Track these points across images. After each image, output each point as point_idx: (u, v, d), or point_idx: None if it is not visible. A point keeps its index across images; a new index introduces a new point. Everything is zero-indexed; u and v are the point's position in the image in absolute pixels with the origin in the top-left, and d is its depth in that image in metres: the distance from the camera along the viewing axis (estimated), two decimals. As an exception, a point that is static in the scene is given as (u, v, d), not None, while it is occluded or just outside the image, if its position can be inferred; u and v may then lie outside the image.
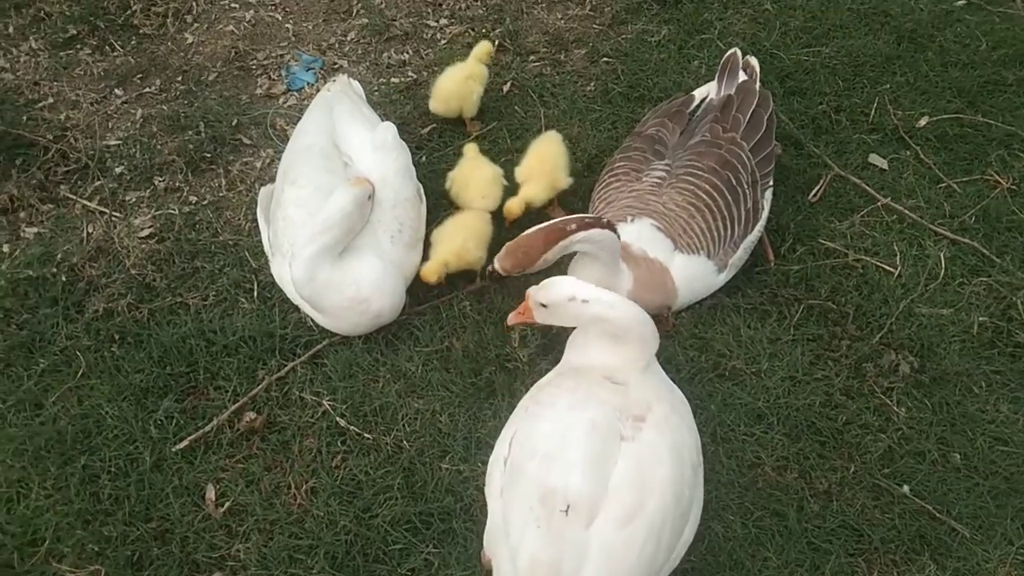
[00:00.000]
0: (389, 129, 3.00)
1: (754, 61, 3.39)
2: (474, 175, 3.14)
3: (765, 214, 3.03)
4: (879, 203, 3.35)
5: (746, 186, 2.96)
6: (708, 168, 2.93)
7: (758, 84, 3.29)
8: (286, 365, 2.72)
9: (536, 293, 2.27)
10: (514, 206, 3.08)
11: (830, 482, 2.52)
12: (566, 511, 1.94)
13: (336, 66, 3.90)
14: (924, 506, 2.49)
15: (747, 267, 3.04)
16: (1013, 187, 3.46)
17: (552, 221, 2.56)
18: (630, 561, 1.94)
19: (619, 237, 2.61)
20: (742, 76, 3.32)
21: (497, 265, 2.55)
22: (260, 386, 2.64)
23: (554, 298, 2.23)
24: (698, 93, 3.33)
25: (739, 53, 3.40)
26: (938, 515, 2.47)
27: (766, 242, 3.14)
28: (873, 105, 3.77)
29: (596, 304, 2.20)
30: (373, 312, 2.71)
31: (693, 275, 2.84)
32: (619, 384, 2.20)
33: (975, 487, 2.54)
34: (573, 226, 2.51)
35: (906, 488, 2.53)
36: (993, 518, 2.48)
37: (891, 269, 3.09)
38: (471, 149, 3.28)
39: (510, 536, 1.98)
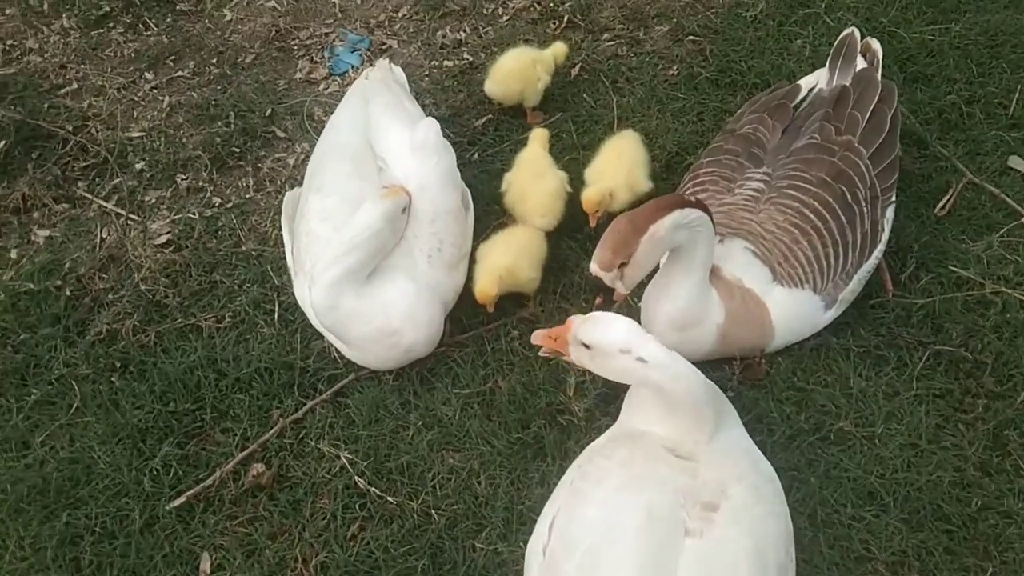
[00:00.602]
0: (431, 127, 2.55)
1: (876, 44, 2.81)
2: (535, 186, 2.68)
3: (885, 236, 2.48)
4: (1023, 219, 2.75)
5: (864, 203, 2.41)
6: (817, 180, 2.39)
7: (879, 73, 2.72)
8: (304, 404, 2.35)
9: (580, 326, 1.81)
10: (594, 194, 2.58)
11: (962, 588, 2.01)
12: None
13: (384, 47, 3.49)
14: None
15: (860, 299, 2.50)
16: None
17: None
18: None
19: None
20: (860, 63, 2.75)
21: (594, 263, 2.05)
22: (273, 431, 2.27)
23: (601, 341, 1.78)
24: (805, 83, 2.77)
25: (857, 34, 2.82)
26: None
27: (884, 268, 2.59)
28: (1014, 95, 3.15)
29: (657, 370, 1.74)
30: (405, 346, 2.31)
31: (794, 313, 2.33)
32: (685, 459, 1.75)
33: None
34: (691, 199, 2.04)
35: (1062, 600, 2.00)
36: None
37: (1041, 306, 2.51)
38: (539, 138, 2.80)
39: None
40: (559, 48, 3.12)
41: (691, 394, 1.75)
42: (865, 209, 2.41)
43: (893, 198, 2.53)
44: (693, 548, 1.62)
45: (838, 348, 2.43)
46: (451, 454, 2.26)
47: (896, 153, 2.58)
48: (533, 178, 2.69)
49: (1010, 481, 2.17)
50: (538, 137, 2.83)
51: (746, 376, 2.34)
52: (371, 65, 3.05)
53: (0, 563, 2.03)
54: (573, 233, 2.77)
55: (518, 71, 3.05)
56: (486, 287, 2.41)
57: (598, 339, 1.78)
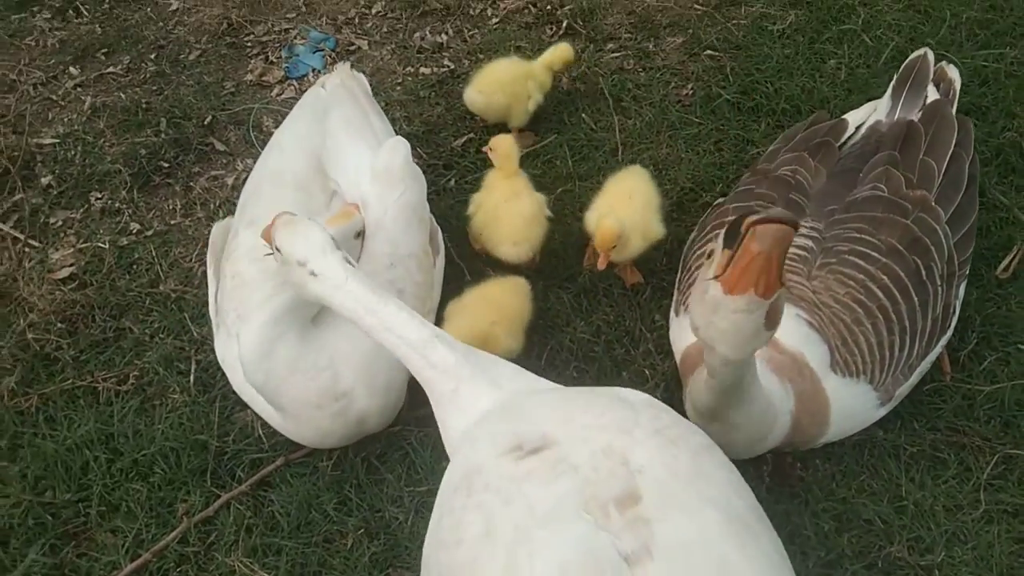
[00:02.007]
0: (398, 149, 2.07)
1: (953, 73, 2.34)
2: (507, 207, 2.21)
3: (954, 321, 2.01)
4: (1103, 285, 2.29)
5: (939, 280, 1.94)
6: (888, 247, 1.92)
7: (955, 108, 2.25)
8: (218, 497, 1.85)
9: (280, 226, 1.65)
10: (613, 224, 2.08)
11: None
12: None
13: (352, 48, 3.01)
14: None
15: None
16: None
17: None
18: None
19: None
20: (932, 93, 2.28)
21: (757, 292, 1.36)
22: (173, 534, 1.78)
23: (286, 247, 1.61)
24: (852, 118, 2.29)
25: (931, 56, 2.35)
26: None
27: (944, 354, 2.12)
28: (1083, 135, 2.69)
29: (324, 285, 1.56)
30: (355, 413, 1.83)
31: (848, 407, 1.86)
32: (544, 449, 1.26)
33: None
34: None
35: None
36: None
37: None
38: (502, 148, 2.31)
39: None
40: (560, 51, 2.64)
41: (396, 334, 1.48)
42: (940, 288, 1.95)
43: (967, 271, 2.07)
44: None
45: (886, 446, 1.96)
46: (400, 573, 1.77)
47: (976, 215, 2.11)
48: (506, 198, 2.21)
49: (1107, 629, 1.72)
50: (501, 146, 2.33)
51: (775, 482, 1.87)
52: (331, 70, 2.56)
53: None
54: (565, 283, 2.29)
55: (507, 83, 2.58)
56: None
57: (286, 245, 1.60)
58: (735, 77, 2.87)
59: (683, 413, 1.64)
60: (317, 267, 1.56)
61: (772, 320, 1.32)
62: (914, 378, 1.96)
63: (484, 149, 2.37)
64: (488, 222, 2.24)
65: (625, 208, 2.16)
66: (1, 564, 1.74)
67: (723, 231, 1.30)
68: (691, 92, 2.86)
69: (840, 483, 1.91)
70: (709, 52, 2.99)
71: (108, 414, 1.98)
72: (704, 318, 1.34)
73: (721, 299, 1.27)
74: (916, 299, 1.89)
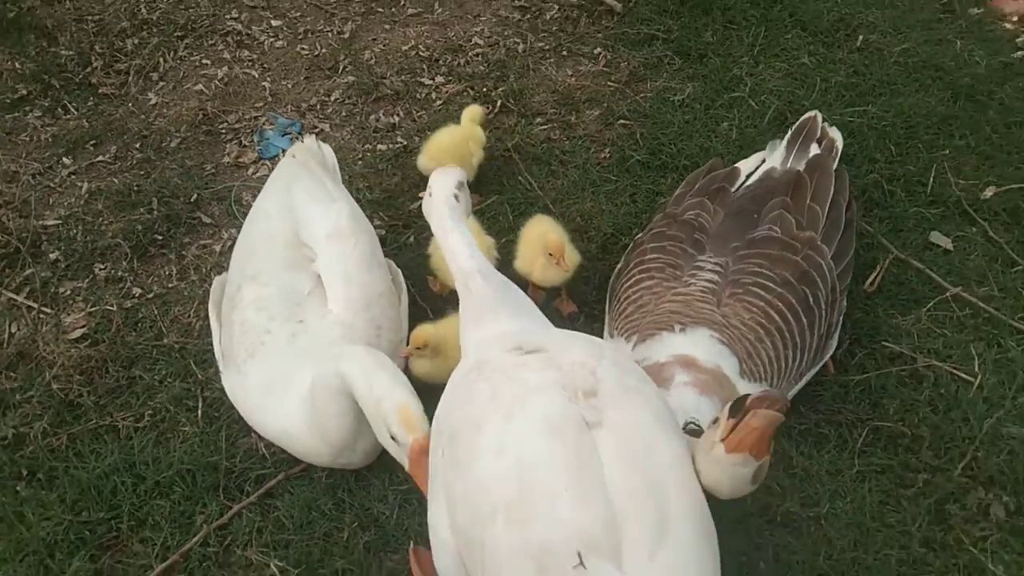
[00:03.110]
0: (340, 212, 2.50)
1: (835, 134, 2.86)
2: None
3: (835, 341, 2.50)
4: (947, 293, 2.83)
5: (824, 306, 2.41)
6: (782, 280, 2.37)
7: (835, 163, 2.77)
8: (230, 508, 2.20)
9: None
10: (558, 237, 2.63)
11: (915, 673, 1.96)
12: (581, 563, 1.43)
13: (316, 130, 3.45)
14: None
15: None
16: (1105, 273, 2.93)
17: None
18: None
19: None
20: (814, 149, 2.80)
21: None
22: (196, 538, 2.12)
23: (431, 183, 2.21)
24: (744, 166, 2.81)
25: (820, 117, 2.89)
26: None
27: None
28: (931, 173, 3.29)
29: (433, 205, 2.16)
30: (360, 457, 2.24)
31: None
32: (537, 351, 1.72)
33: None
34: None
35: None
36: None
37: (970, 378, 2.56)
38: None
39: None
40: (475, 110, 3.16)
41: (452, 259, 2.00)
42: (824, 312, 2.41)
43: (844, 300, 2.55)
44: (603, 440, 1.56)
45: (780, 428, 2.41)
46: (389, 556, 2.13)
47: (852, 252, 2.61)
48: None
49: (954, 556, 2.16)
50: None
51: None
52: (294, 144, 3.01)
53: None
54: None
55: (452, 147, 3.05)
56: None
57: (432, 181, 2.18)
58: (644, 141, 3.39)
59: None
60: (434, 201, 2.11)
61: (758, 476, 1.73)
62: (803, 382, 2.42)
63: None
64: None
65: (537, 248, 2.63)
66: (50, 571, 2.05)
67: (731, 403, 1.70)
68: (608, 155, 3.36)
69: (744, 459, 2.34)
70: (622, 121, 3.51)
71: (129, 447, 2.32)
72: (707, 468, 1.69)
73: (723, 456, 1.66)
74: (805, 321, 2.33)
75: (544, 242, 2.58)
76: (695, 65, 3.77)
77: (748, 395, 1.68)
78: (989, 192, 3.25)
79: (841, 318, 2.53)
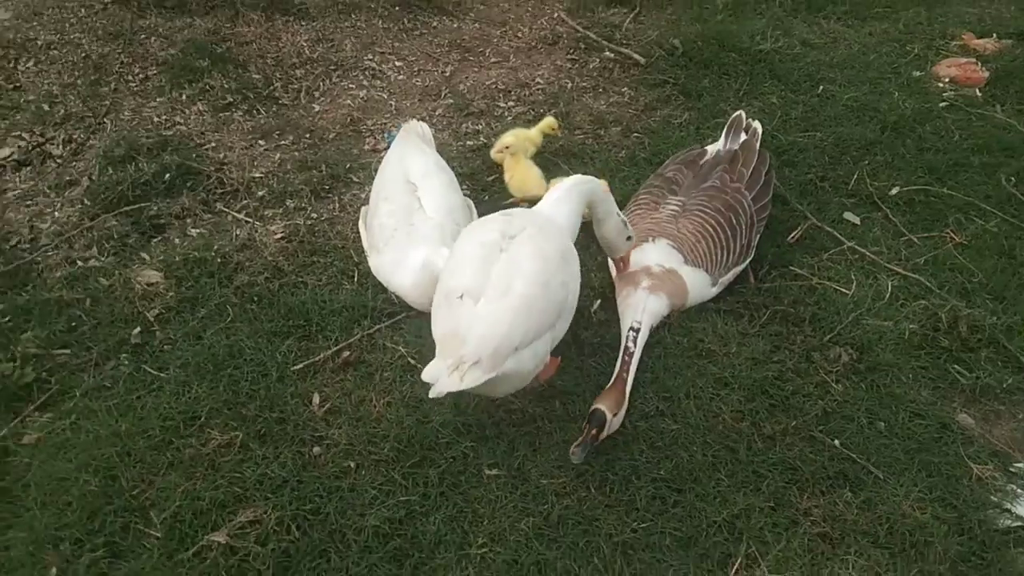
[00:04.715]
0: (427, 161, 4.00)
1: (756, 124, 4.35)
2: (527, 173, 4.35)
3: (753, 252, 3.92)
4: (845, 246, 4.20)
5: (744, 226, 3.84)
6: (715, 208, 3.83)
7: (758, 143, 4.24)
8: (375, 326, 3.69)
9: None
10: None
11: (775, 430, 3.28)
12: (461, 297, 2.90)
13: (426, 131, 5.04)
14: (849, 454, 3.22)
15: (732, 285, 3.91)
16: (964, 242, 4.26)
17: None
18: (506, 321, 2.82)
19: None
20: (743, 136, 4.27)
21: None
22: (355, 336, 3.61)
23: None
24: (710, 148, 4.30)
25: (743, 114, 4.37)
26: (859, 460, 3.20)
27: (749, 271, 4.01)
28: (854, 177, 4.67)
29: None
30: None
31: (696, 283, 3.70)
32: (511, 216, 3.20)
33: (892, 445, 3.26)
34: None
35: (837, 441, 3.27)
36: (903, 466, 3.19)
37: (846, 291, 3.91)
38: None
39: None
40: (548, 121, 4.66)
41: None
42: (744, 231, 3.83)
43: (762, 228, 3.98)
44: (503, 257, 2.95)
45: (713, 309, 3.80)
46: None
47: (769, 197, 4.05)
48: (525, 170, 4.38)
49: (811, 379, 3.48)
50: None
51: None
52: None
53: (189, 394, 3.30)
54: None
55: (513, 142, 4.58)
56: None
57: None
58: (650, 147, 4.84)
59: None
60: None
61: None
62: (730, 275, 3.82)
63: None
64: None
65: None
66: (274, 344, 3.56)
67: (595, 426, 3.00)
68: (623, 155, 4.83)
69: (687, 323, 3.71)
70: (636, 134, 5.01)
71: (315, 292, 3.82)
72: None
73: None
74: (729, 232, 3.74)
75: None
76: (693, 101, 5.28)
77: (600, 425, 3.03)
78: (895, 190, 4.61)
79: (758, 237, 3.94)
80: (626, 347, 3.35)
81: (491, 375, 2.74)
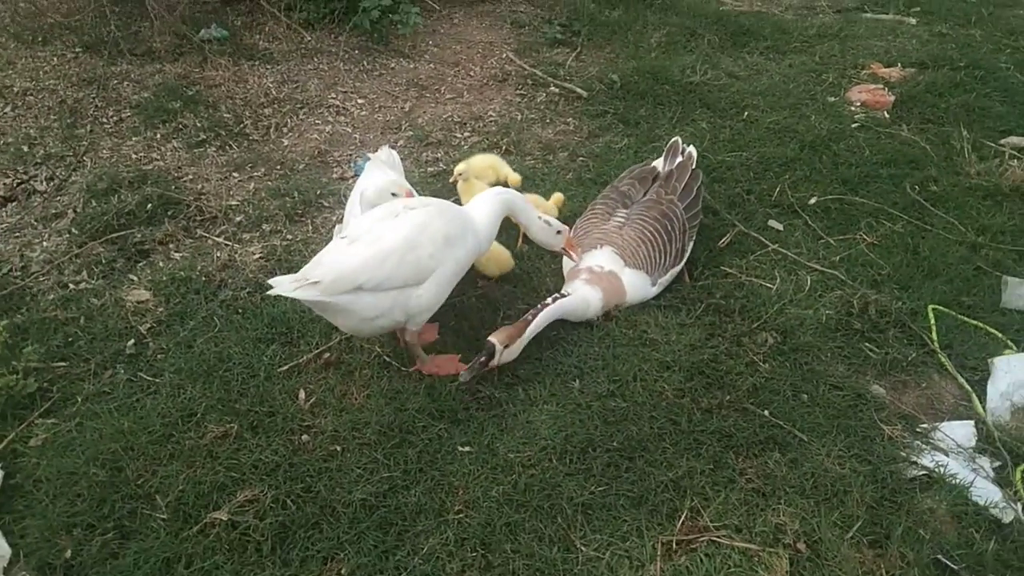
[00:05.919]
0: (384, 178, 4.45)
1: (692, 149, 4.87)
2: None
3: (687, 255, 4.41)
4: (770, 248, 4.72)
5: (678, 232, 4.34)
6: (653, 217, 4.32)
7: (693, 164, 4.76)
8: (350, 331, 4.06)
9: None
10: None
11: (711, 404, 3.72)
12: (344, 238, 3.39)
13: (389, 160, 5.48)
14: (777, 422, 3.67)
15: (670, 286, 4.38)
16: (874, 242, 4.82)
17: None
18: (358, 260, 3.28)
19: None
20: (679, 158, 4.80)
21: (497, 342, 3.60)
22: (334, 340, 3.97)
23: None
24: (657, 164, 4.81)
25: (680, 141, 4.90)
26: (785, 427, 3.65)
27: (685, 272, 4.50)
28: (776, 189, 5.23)
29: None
30: None
31: (637, 284, 4.17)
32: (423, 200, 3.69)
33: (814, 413, 3.72)
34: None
35: (766, 412, 3.72)
36: (824, 430, 3.64)
37: (771, 286, 4.41)
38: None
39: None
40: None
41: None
42: (678, 236, 4.33)
43: (694, 235, 4.48)
44: (393, 221, 3.41)
45: (655, 304, 4.27)
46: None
47: (699, 207, 4.56)
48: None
49: (742, 360, 3.94)
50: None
51: (605, 319, 4.15)
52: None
53: (185, 394, 3.63)
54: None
55: (480, 170, 5.04)
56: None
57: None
58: (594, 169, 5.36)
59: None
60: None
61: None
62: (667, 276, 4.30)
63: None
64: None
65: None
66: (260, 349, 3.90)
67: (485, 355, 3.56)
68: (571, 177, 5.33)
69: (632, 317, 4.17)
70: (581, 158, 5.51)
71: (295, 304, 4.20)
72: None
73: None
74: (666, 238, 4.23)
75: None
76: (632, 128, 5.82)
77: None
78: (813, 200, 5.18)
79: (692, 244, 4.43)
80: (545, 302, 3.85)
81: (323, 299, 3.23)
